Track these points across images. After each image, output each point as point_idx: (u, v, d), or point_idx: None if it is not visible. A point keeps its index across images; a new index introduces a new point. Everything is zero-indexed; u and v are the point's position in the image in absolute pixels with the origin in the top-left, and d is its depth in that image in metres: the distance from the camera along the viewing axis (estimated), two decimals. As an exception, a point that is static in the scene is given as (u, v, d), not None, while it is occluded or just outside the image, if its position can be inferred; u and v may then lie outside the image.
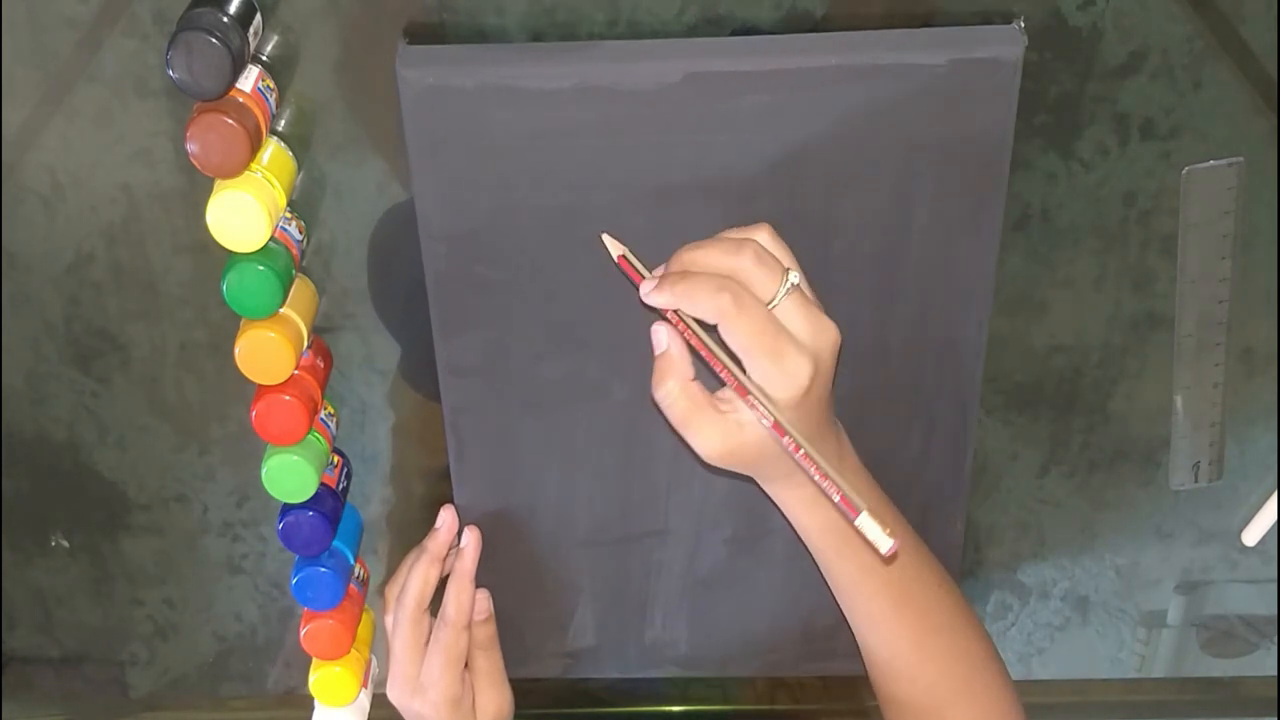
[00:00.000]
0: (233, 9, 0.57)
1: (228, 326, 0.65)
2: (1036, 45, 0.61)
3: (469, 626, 0.69)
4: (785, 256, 0.56)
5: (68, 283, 0.69)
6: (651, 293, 0.56)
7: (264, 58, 0.61)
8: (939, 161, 0.60)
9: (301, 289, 0.66)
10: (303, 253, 0.65)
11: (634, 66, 0.58)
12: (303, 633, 0.71)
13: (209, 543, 0.78)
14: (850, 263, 0.60)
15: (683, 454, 0.68)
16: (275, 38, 0.61)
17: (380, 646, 0.73)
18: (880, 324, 0.65)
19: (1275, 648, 0.83)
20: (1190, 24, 0.62)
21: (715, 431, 0.56)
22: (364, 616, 0.75)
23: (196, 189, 0.65)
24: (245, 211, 0.59)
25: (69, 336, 0.71)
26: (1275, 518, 0.77)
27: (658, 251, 0.60)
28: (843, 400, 0.60)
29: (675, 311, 0.56)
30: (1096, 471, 0.76)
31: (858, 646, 0.65)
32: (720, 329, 0.54)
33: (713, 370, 0.56)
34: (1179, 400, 0.73)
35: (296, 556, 0.70)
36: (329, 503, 0.69)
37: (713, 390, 0.57)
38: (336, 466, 0.71)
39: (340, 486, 0.71)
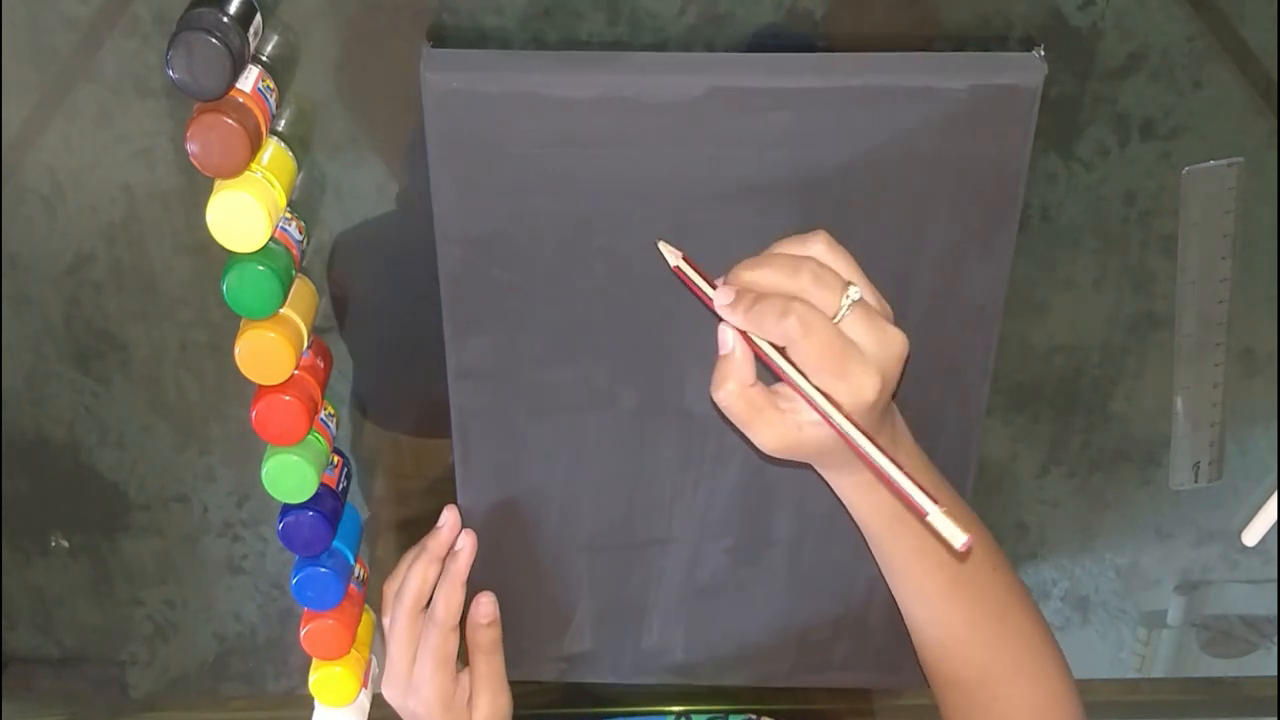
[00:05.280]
0: (233, 9, 0.57)
1: (228, 326, 0.65)
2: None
3: (456, 628, 0.69)
4: (845, 266, 0.56)
5: (68, 283, 0.69)
6: (724, 309, 0.56)
7: (264, 58, 0.61)
8: (955, 184, 0.61)
9: (301, 289, 0.66)
10: (303, 253, 0.65)
11: (658, 79, 0.59)
12: (303, 633, 0.71)
13: (209, 543, 0.78)
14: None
15: (688, 463, 0.69)
16: (275, 38, 0.61)
17: (380, 646, 0.73)
18: None
19: (1275, 648, 0.83)
20: (1190, 24, 0.62)
21: (774, 431, 0.56)
22: (364, 616, 0.75)
23: (196, 189, 0.65)
24: (245, 211, 0.59)
25: (69, 336, 0.71)
26: (1275, 518, 0.77)
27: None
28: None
29: None
30: (1096, 471, 0.76)
31: (858, 655, 0.65)
32: (788, 352, 0.54)
33: (779, 377, 0.56)
34: (1179, 400, 0.73)
35: (296, 556, 0.70)
36: (329, 503, 0.69)
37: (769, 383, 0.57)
38: (336, 466, 0.71)
39: (340, 486, 0.71)
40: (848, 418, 0.54)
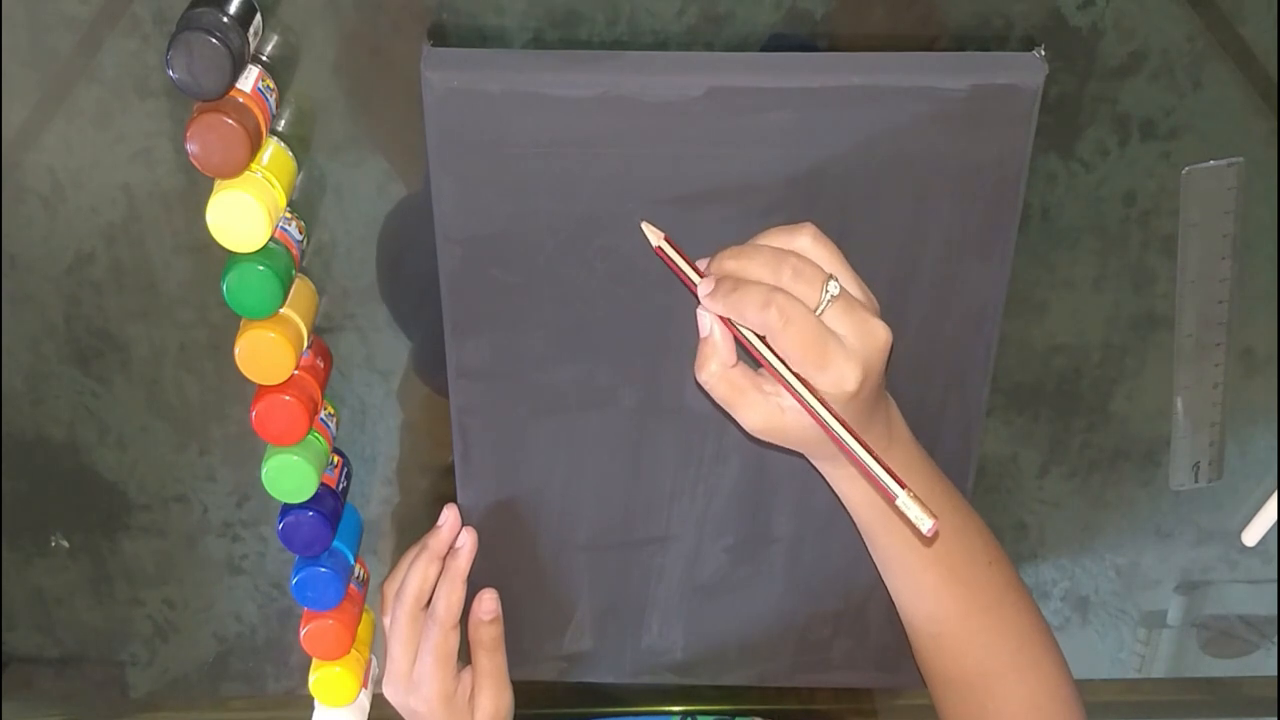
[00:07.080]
0: (233, 9, 0.57)
1: (228, 326, 0.65)
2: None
3: (457, 626, 0.69)
4: (828, 259, 0.56)
5: (68, 283, 0.69)
6: (705, 298, 0.56)
7: (264, 58, 0.61)
8: (955, 183, 0.61)
9: (301, 289, 0.66)
10: (303, 253, 0.65)
11: (657, 78, 0.59)
12: (303, 633, 0.71)
13: (209, 543, 0.78)
14: (863, 279, 0.60)
15: (688, 462, 0.69)
16: (275, 38, 0.62)
17: (380, 646, 0.73)
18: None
19: (1275, 648, 0.83)
20: (1190, 24, 0.62)
21: (758, 413, 0.57)
22: (364, 616, 0.75)
23: (196, 189, 0.65)
24: (245, 211, 0.59)
25: (69, 336, 0.71)
26: (1275, 518, 0.77)
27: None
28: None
29: None
30: (1096, 471, 0.76)
31: (858, 653, 0.65)
32: (770, 341, 0.55)
33: (759, 363, 0.56)
34: (1179, 400, 0.73)
35: (296, 556, 0.70)
36: (329, 503, 0.69)
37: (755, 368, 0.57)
38: (336, 466, 0.71)
39: (340, 486, 0.71)
40: (822, 402, 0.55)
